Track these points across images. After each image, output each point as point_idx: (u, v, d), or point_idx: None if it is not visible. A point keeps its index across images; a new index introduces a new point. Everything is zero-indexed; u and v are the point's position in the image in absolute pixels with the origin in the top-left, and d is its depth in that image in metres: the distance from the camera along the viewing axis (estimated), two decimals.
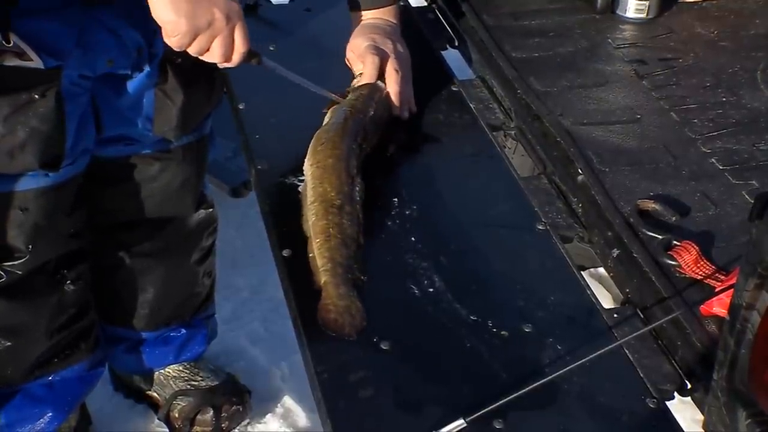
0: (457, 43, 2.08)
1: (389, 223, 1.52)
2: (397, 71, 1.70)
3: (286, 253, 1.46)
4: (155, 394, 1.99)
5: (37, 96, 1.43)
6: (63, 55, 1.43)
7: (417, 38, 1.93)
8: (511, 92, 1.86)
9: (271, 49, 1.86)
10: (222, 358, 2.11)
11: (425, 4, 2.20)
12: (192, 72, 1.58)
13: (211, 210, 1.84)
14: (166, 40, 1.41)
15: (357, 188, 1.52)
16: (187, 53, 1.42)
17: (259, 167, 1.64)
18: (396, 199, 1.57)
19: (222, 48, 1.42)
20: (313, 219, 1.46)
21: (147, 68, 1.55)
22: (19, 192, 1.51)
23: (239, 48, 1.44)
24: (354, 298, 1.37)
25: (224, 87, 1.76)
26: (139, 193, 1.72)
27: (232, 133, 1.80)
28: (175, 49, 1.41)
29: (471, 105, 1.84)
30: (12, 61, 1.39)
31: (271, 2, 2.13)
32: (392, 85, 1.70)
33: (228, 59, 1.44)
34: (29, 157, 1.46)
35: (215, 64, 1.46)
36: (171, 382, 1.96)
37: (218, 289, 2.01)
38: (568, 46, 2.01)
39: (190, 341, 1.94)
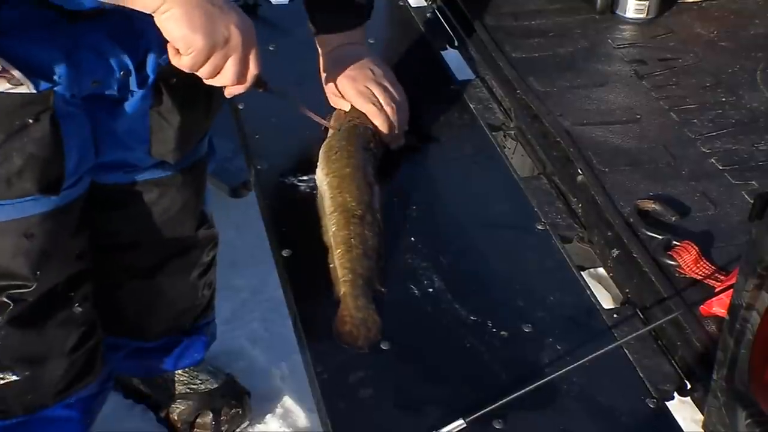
0: (456, 43, 2.08)
1: (389, 223, 1.51)
2: (385, 112, 1.65)
3: (285, 253, 1.46)
4: (155, 397, 1.99)
5: (30, 120, 1.36)
6: (54, 77, 1.37)
7: (417, 38, 1.93)
8: (511, 92, 1.86)
9: (271, 49, 1.86)
10: (222, 359, 2.10)
11: (425, 4, 2.20)
12: (188, 91, 1.51)
13: (211, 229, 1.82)
14: (175, 61, 1.33)
15: (376, 197, 1.51)
16: (195, 75, 1.35)
17: (258, 167, 1.64)
18: (396, 199, 1.57)
19: (236, 68, 1.33)
20: (333, 229, 1.45)
21: (141, 91, 1.47)
22: (22, 218, 1.44)
23: (253, 70, 1.36)
24: (372, 311, 1.35)
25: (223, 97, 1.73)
26: (140, 217, 1.67)
27: (232, 133, 1.80)
28: (187, 70, 1.34)
29: (471, 105, 1.84)
30: (2, 86, 1.32)
31: (270, 2, 2.13)
32: (384, 128, 1.65)
33: (242, 81, 1.36)
34: (27, 183, 1.40)
35: (222, 88, 1.38)
36: (170, 386, 1.95)
37: (218, 290, 2.00)
38: (568, 46, 2.01)
39: (189, 349, 1.92)
